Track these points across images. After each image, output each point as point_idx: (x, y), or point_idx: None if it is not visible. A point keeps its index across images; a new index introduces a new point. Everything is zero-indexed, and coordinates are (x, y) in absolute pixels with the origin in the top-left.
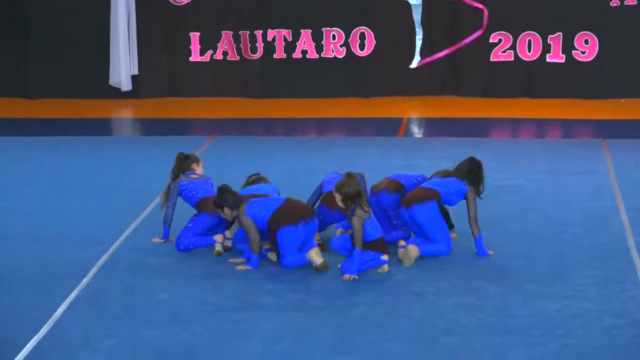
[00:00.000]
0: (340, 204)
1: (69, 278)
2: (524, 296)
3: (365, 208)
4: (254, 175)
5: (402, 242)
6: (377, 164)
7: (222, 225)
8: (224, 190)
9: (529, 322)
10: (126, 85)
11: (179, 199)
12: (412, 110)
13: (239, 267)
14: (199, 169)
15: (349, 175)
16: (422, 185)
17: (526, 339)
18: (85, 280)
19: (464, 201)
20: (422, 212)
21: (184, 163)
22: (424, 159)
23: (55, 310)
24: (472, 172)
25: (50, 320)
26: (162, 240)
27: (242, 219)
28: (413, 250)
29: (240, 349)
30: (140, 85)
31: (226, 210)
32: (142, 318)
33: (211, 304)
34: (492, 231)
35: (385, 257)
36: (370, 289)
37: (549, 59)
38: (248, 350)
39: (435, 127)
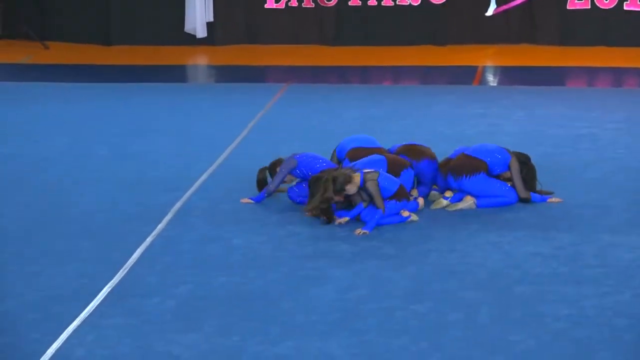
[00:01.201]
0: (345, 196)
1: (144, 224)
2: (598, 245)
3: (366, 170)
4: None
5: (449, 193)
6: (451, 112)
7: None
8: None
9: (602, 272)
10: (201, 32)
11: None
12: (488, 59)
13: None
14: None
15: (322, 183)
16: (468, 152)
17: (600, 288)
18: (160, 227)
19: None
20: (472, 184)
21: None
22: (500, 107)
23: (131, 255)
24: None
25: (126, 265)
26: (252, 202)
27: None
28: (467, 200)
29: (315, 296)
30: (215, 33)
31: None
32: (217, 264)
33: (286, 251)
34: (569, 180)
35: (406, 213)
36: (445, 237)
37: (626, 6)
38: (323, 298)
39: (511, 75)
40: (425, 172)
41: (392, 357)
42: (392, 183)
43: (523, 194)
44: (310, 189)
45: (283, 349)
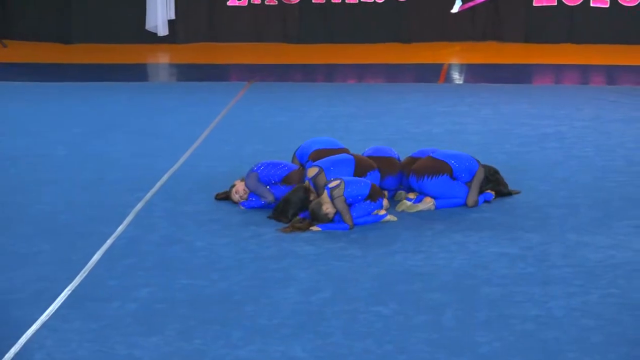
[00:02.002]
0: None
1: (104, 225)
2: (565, 245)
3: (332, 184)
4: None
5: (412, 195)
6: (417, 111)
7: None
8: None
9: (570, 272)
10: (163, 30)
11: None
12: (453, 56)
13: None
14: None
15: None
16: (435, 155)
17: (567, 288)
18: (120, 228)
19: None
20: (433, 186)
21: None
22: (465, 106)
23: (91, 257)
24: (492, 175)
25: (86, 268)
26: (243, 208)
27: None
28: (427, 201)
29: (279, 299)
30: (177, 30)
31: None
32: (179, 267)
33: (249, 253)
34: (535, 179)
35: (381, 212)
36: (410, 237)
37: (592, 3)
38: (286, 300)
39: (477, 73)
40: (389, 187)
41: (356, 359)
42: (362, 187)
43: (471, 200)
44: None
45: (246, 352)
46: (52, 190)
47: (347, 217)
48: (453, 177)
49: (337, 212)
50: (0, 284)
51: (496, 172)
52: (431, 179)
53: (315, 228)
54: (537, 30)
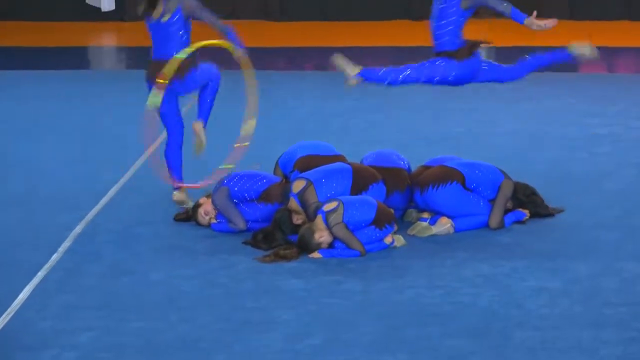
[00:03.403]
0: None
1: (35, 252)
2: (621, 278)
3: (328, 207)
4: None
5: (426, 215)
6: (431, 105)
7: None
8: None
9: (627, 312)
10: (108, 5)
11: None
12: (479, 35)
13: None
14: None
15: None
16: (447, 164)
17: (624, 333)
18: (56, 256)
19: None
20: (440, 198)
21: None
22: (494, 100)
23: (18, 294)
24: (528, 197)
25: (11, 308)
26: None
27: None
28: (443, 223)
29: (258, 346)
30: (126, 4)
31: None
32: (130, 305)
33: (219, 287)
34: (582, 193)
35: (388, 240)
36: (424, 268)
37: None
38: (267, 348)
39: (504, 56)
40: (397, 206)
41: None
42: (366, 210)
43: (494, 220)
44: (270, 232)
45: None
46: None
47: (355, 244)
48: (466, 187)
49: (335, 239)
50: None
51: (533, 192)
52: (436, 189)
53: (316, 255)
54: (585, 3)
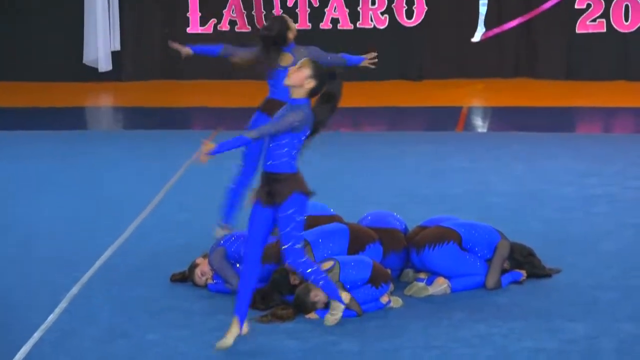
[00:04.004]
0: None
1: (31, 313)
2: (619, 339)
3: (324, 267)
4: None
5: (423, 275)
6: (429, 166)
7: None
8: None
9: None
10: (105, 65)
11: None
12: (475, 97)
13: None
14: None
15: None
16: (443, 224)
17: None
18: (52, 317)
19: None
20: (436, 258)
21: None
22: (490, 160)
23: (14, 355)
24: (525, 257)
25: None
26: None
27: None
28: (440, 283)
29: None
30: (123, 65)
31: None
32: None
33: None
34: (580, 253)
35: (384, 299)
36: (421, 328)
37: None
38: None
39: (505, 118)
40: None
41: None
42: (362, 269)
43: (491, 281)
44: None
45: None
46: None
47: (352, 305)
48: (463, 247)
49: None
50: None
51: (530, 253)
52: (433, 249)
53: (313, 315)
54: (581, 64)
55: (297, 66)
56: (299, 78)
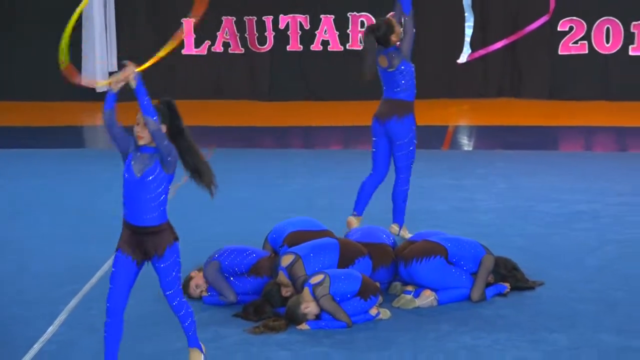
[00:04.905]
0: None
1: (30, 327)
2: (599, 350)
3: (315, 280)
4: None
5: (411, 288)
6: (415, 183)
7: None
8: None
9: None
10: (102, 85)
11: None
12: (461, 117)
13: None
14: None
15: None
16: (430, 238)
17: None
18: (51, 329)
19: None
20: (424, 271)
21: None
22: (476, 178)
23: None
24: (509, 271)
25: None
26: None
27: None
28: (427, 295)
29: None
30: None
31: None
32: None
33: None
34: (563, 268)
35: (373, 312)
36: (409, 340)
37: (632, 51)
38: None
39: (490, 137)
40: (382, 280)
41: None
42: (352, 282)
43: (476, 294)
44: (260, 304)
45: None
46: None
47: (341, 316)
48: (449, 261)
49: (322, 311)
50: None
51: (514, 267)
52: (420, 262)
53: (304, 326)
54: (563, 84)
55: (142, 124)
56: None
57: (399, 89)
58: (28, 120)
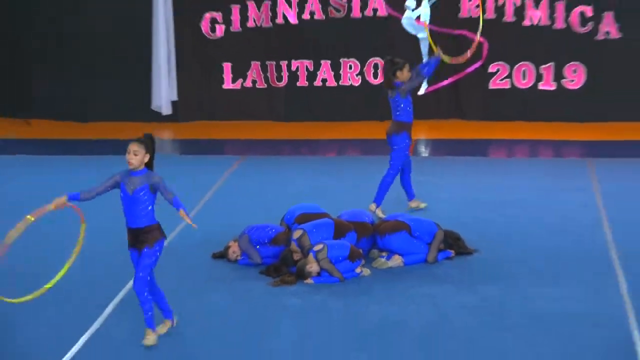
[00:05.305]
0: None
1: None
2: (522, 297)
3: (317, 248)
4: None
5: (384, 254)
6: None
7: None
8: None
9: (528, 324)
10: (166, 110)
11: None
12: (421, 132)
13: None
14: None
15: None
16: (398, 218)
17: (524, 337)
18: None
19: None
20: (394, 241)
21: None
22: (431, 175)
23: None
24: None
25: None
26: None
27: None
28: (396, 259)
29: (268, 342)
30: (179, 110)
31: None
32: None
33: (245, 302)
34: (495, 240)
35: (358, 270)
36: (383, 290)
37: (541, 86)
38: (276, 345)
39: (441, 147)
40: (364, 247)
41: None
42: (342, 249)
43: (431, 257)
44: (278, 265)
45: None
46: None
47: (336, 273)
48: (412, 235)
49: (322, 270)
50: None
51: (457, 237)
52: (391, 235)
53: (309, 281)
54: (493, 109)
55: (131, 152)
56: (139, 161)
57: (398, 113)
58: (116, 135)
